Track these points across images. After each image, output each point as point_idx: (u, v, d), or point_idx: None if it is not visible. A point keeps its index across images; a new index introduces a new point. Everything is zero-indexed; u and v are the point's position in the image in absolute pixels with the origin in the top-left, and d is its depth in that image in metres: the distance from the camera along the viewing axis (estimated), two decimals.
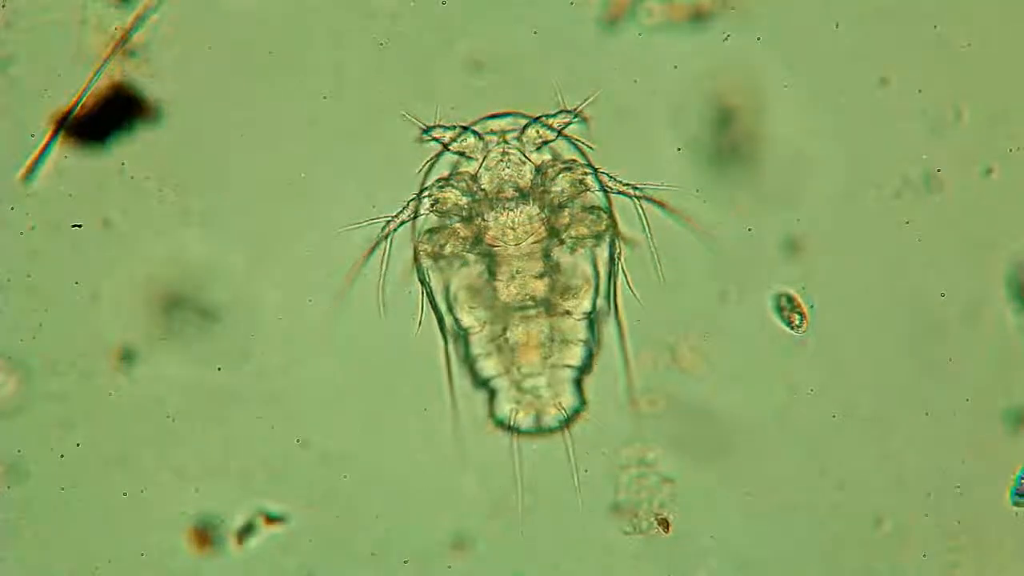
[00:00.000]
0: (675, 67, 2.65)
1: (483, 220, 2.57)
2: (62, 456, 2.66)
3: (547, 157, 2.61)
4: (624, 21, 2.65)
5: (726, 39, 2.65)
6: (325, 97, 2.64)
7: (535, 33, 2.64)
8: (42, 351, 2.65)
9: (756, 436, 2.70)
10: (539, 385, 2.62)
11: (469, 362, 2.63)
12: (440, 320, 2.62)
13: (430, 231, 2.60)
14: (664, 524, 2.68)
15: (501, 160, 2.57)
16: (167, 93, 2.63)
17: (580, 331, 2.61)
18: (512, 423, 2.65)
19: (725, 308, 2.68)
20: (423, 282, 2.61)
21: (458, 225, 2.59)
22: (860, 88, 2.66)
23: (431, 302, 2.61)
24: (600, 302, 2.62)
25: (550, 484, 2.69)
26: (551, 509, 2.70)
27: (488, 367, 2.63)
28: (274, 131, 2.64)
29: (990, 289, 2.70)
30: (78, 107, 2.59)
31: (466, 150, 2.59)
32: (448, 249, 2.59)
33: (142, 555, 2.67)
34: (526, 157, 2.58)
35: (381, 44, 2.64)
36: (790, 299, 2.66)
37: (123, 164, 2.63)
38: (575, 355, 2.62)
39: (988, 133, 2.68)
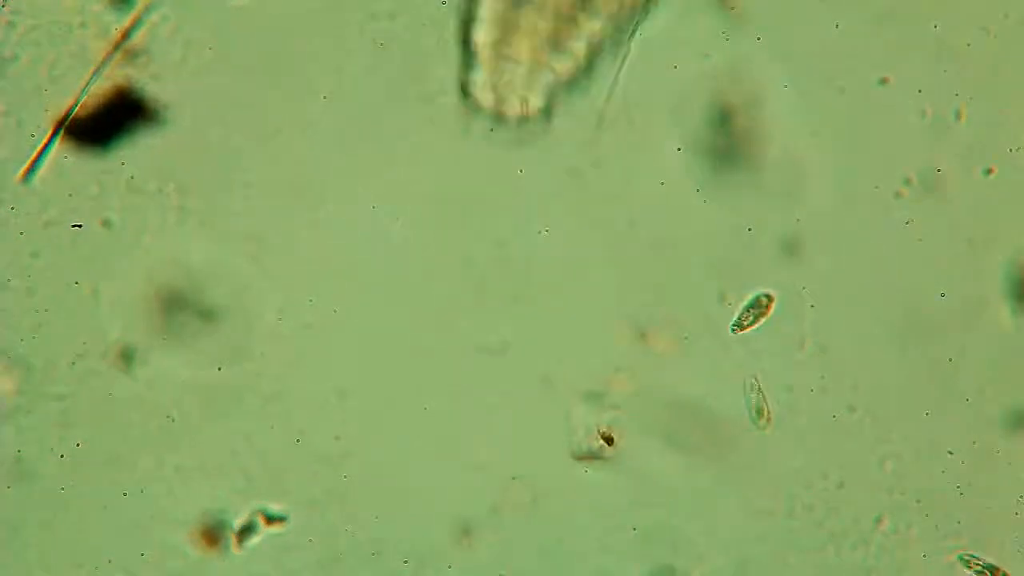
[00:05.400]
0: (675, 67, 2.65)
1: None
2: (62, 456, 2.66)
3: None
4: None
5: (726, 39, 2.66)
6: (325, 97, 2.64)
7: None
8: (42, 351, 2.65)
9: (755, 436, 2.70)
10: (516, 75, 2.57)
11: (466, 24, 2.57)
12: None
13: None
14: (608, 440, 2.66)
15: None
16: (168, 94, 2.63)
17: (580, 48, 2.56)
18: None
19: (724, 308, 2.68)
20: None
21: None
22: (860, 88, 2.66)
23: None
24: (613, 33, 2.56)
25: (550, 484, 2.69)
26: (551, 509, 2.70)
27: (482, 32, 2.56)
28: (274, 131, 2.64)
29: (989, 289, 2.70)
30: (78, 108, 2.59)
31: None
32: None
33: (143, 555, 2.67)
34: None
35: (381, 44, 2.64)
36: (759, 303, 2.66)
37: (123, 164, 2.63)
38: (564, 66, 2.57)
39: (988, 133, 2.68)
